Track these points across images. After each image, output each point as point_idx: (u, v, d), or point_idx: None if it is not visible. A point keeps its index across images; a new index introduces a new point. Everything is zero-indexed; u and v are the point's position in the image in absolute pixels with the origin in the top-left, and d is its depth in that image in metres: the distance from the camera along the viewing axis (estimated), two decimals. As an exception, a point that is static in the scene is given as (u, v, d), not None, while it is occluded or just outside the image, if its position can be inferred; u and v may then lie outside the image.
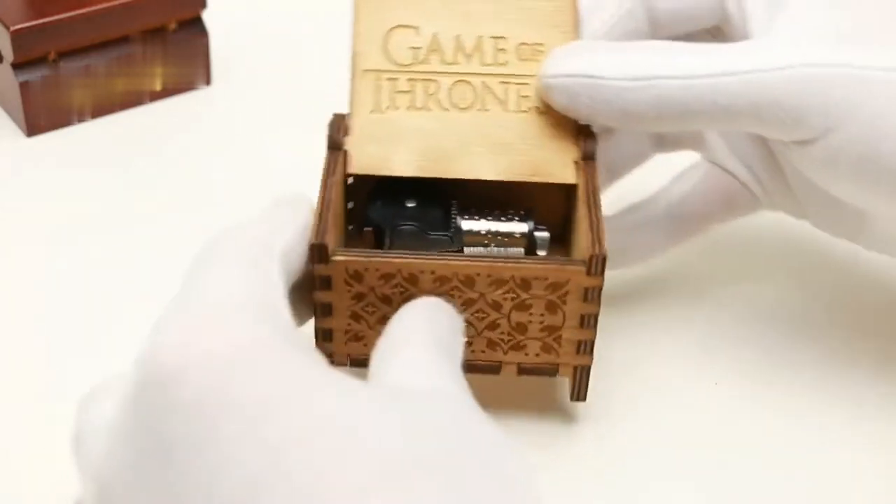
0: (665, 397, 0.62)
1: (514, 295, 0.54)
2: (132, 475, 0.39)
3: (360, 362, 0.57)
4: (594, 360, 0.56)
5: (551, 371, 0.56)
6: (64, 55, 0.77)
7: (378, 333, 0.54)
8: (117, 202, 0.73)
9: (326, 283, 0.55)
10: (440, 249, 0.58)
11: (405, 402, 0.40)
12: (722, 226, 0.65)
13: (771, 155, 0.61)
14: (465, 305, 0.54)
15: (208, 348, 0.39)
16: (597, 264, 0.53)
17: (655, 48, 0.55)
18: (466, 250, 0.60)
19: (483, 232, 0.60)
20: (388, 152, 0.59)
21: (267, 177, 0.76)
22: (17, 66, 0.76)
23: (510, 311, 0.54)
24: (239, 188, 0.74)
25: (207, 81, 0.83)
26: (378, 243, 0.60)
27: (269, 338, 0.41)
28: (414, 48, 0.59)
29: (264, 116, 0.81)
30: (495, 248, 0.60)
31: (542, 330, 0.55)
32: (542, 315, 0.54)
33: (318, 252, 0.54)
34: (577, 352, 0.55)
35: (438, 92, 0.59)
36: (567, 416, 0.60)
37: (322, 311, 0.56)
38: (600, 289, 0.54)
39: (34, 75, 0.76)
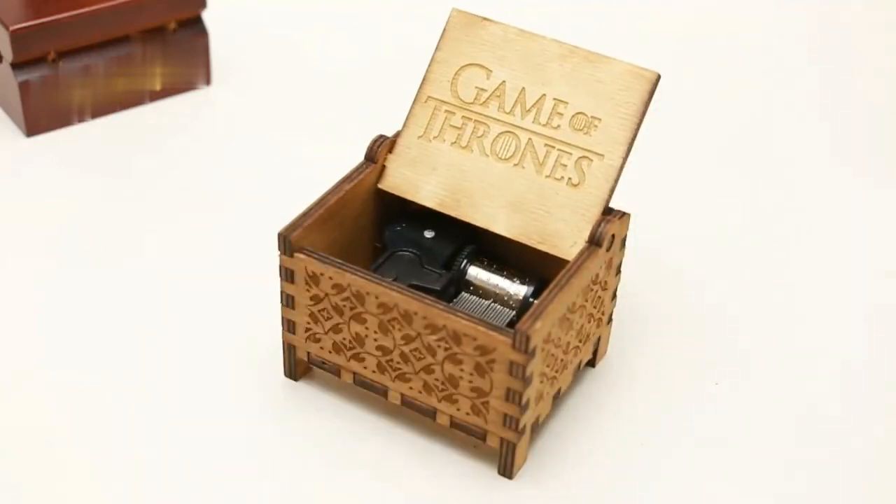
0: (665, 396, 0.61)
1: (447, 346, 0.54)
2: None
3: (316, 362, 0.59)
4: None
5: (480, 434, 0.55)
6: (63, 55, 0.77)
7: (331, 340, 0.57)
8: (117, 202, 0.73)
9: (290, 276, 0.57)
10: (423, 285, 0.58)
11: None
12: None
13: None
14: (404, 340, 0.55)
15: None
16: (522, 340, 0.51)
17: None
18: (462, 295, 0.60)
19: (484, 281, 0.60)
20: (420, 180, 0.60)
21: (266, 176, 0.76)
22: (16, 66, 0.76)
23: (443, 361, 0.54)
24: (238, 188, 0.74)
25: (207, 81, 0.83)
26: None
27: None
28: (480, 89, 0.60)
29: (264, 116, 0.81)
30: (484, 302, 0.60)
31: (471, 390, 0.54)
32: (471, 374, 0.54)
33: (283, 243, 0.56)
34: (504, 424, 0.54)
35: (485, 136, 0.59)
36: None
37: (286, 302, 0.58)
38: (524, 367, 0.52)
39: (34, 75, 0.76)
